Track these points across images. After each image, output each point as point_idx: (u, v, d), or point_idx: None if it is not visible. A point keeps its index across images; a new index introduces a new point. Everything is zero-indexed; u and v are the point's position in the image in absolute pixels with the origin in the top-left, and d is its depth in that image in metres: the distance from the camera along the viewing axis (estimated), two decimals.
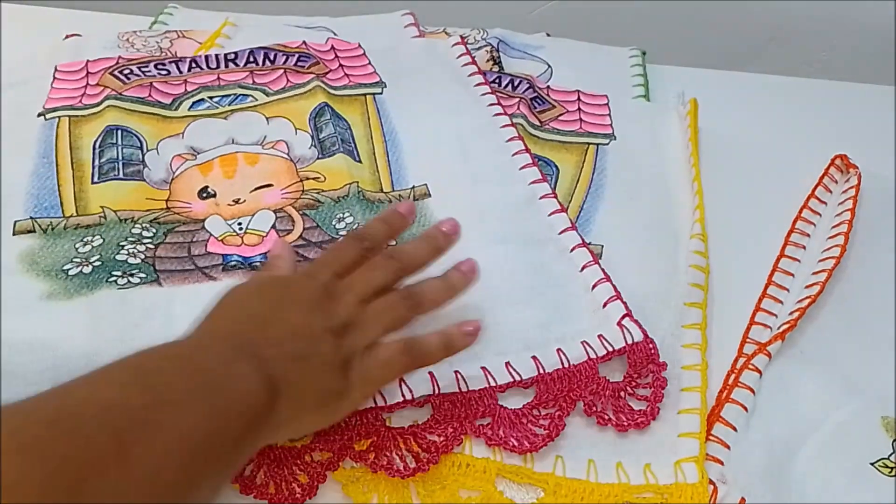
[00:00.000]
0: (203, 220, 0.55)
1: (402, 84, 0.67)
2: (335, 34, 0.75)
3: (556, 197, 0.57)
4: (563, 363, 0.47)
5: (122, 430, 0.32)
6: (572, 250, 0.54)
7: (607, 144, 0.65)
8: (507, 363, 0.47)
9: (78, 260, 0.51)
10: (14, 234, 0.52)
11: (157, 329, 0.47)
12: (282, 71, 0.67)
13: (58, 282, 0.50)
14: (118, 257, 0.51)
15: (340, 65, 0.69)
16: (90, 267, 0.51)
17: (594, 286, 0.51)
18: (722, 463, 0.45)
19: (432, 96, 0.66)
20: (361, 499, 0.43)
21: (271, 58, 0.68)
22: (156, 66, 0.67)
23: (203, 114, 0.63)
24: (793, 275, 0.57)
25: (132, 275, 0.50)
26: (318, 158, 0.60)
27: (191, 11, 0.82)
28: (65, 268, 0.51)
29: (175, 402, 0.35)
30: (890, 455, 0.47)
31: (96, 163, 0.58)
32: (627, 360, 0.48)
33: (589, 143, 0.65)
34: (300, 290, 0.43)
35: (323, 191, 0.57)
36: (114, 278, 0.50)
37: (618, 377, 0.48)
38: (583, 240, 0.54)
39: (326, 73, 0.67)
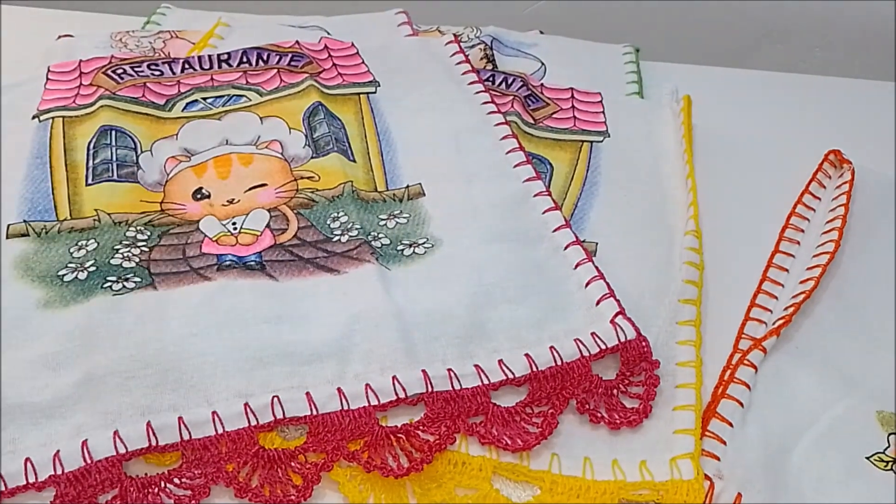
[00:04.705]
0: (197, 222, 0.55)
1: (396, 83, 0.67)
2: (328, 33, 0.75)
3: (550, 195, 0.57)
4: (556, 361, 0.47)
5: None
6: (566, 248, 0.54)
7: (601, 142, 0.65)
8: (500, 361, 0.47)
9: (73, 265, 0.51)
10: (7, 238, 0.52)
11: (150, 333, 0.47)
12: (275, 71, 0.67)
13: (53, 288, 0.50)
14: (113, 261, 0.51)
15: (334, 64, 0.69)
16: (85, 273, 0.50)
17: (588, 284, 0.51)
18: (718, 458, 0.45)
19: (426, 95, 0.66)
20: (358, 498, 0.43)
21: (264, 58, 0.68)
22: (149, 67, 0.67)
23: (196, 115, 0.63)
24: (787, 270, 0.57)
25: (127, 279, 0.50)
26: (312, 158, 0.60)
27: (184, 11, 0.82)
28: (60, 273, 0.50)
29: None
30: (885, 449, 0.47)
31: (90, 164, 0.58)
32: (620, 358, 0.48)
33: (583, 141, 0.65)
34: None
35: (317, 190, 0.57)
36: (108, 284, 0.50)
37: (611, 375, 0.48)
38: (577, 237, 0.54)
39: (320, 72, 0.67)
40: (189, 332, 0.47)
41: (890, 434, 0.48)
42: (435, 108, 0.65)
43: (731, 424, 0.47)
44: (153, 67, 0.67)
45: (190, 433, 0.43)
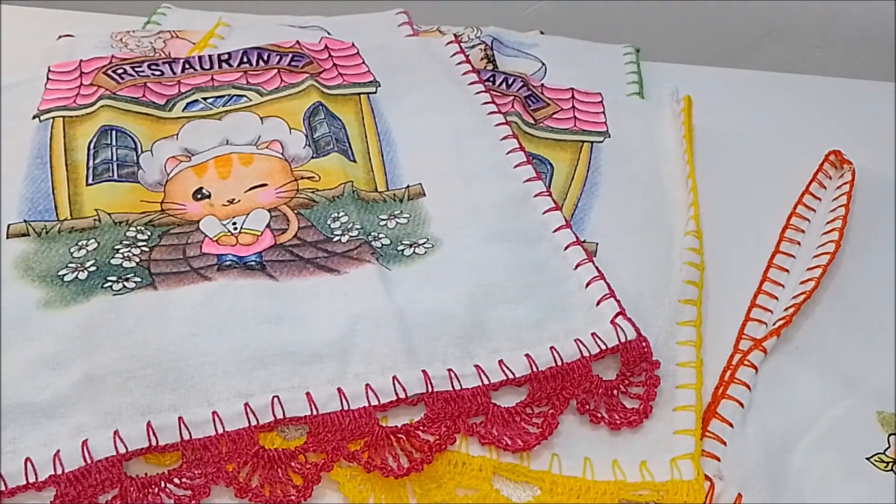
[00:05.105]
0: (198, 222, 0.55)
1: (396, 83, 0.67)
2: (329, 33, 0.75)
3: (550, 195, 0.57)
4: (556, 361, 0.48)
5: None
6: (566, 248, 0.54)
7: (602, 142, 0.65)
8: (501, 361, 0.47)
9: (73, 265, 0.51)
10: (7, 238, 0.52)
11: (150, 333, 0.47)
12: (275, 71, 0.67)
13: (54, 288, 0.49)
14: (113, 261, 0.51)
15: (334, 64, 0.69)
16: (86, 272, 0.50)
17: (588, 284, 0.51)
18: (718, 459, 0.45)
19: (426, 95, 0.66)
20: (358, 498, 0.43)
21: (265, 58, 0.68)
22: (149, 67, 0.67)
23: (197, 115, 0.63)
24: (788, 270, 0.57)
25: (127, 279, 0.50)
26: (312, 158, 0.60)
27: (184, 11, 0.82)
28: (60, 273, 0.50)
29: None
30: (886, 450, 0.47)
31: (90, 164, 0.58)
32: (621, 359, 0.48)
33: (583, 141, 0.65)
34: None
35: (318, 190, 0.57)
36: (109, 283, 0.50)
37: (611, 375, 0.48)
38: (577, 238, 0.54)
39: (320, 72, 0.67)
40: (189, 332, 0.47)
41: (890, 434, 0.48)
42: (435, 109, 0.65)
43: (731, 425, 0.47)
44: (153, 67, 0.67)
45: (190, 433, 0.43)
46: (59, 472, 0.41)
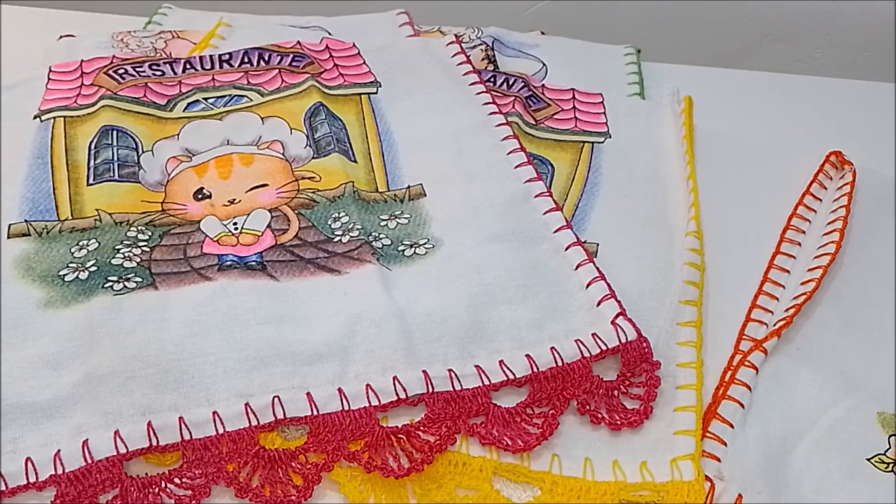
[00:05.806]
0: (198, 222, 0.55)
1: (397, 83, 0.67)
2: (330, 34, 0.75)
3: (551, 195, 0.57)
4: (556, 362, 0.48)
5: None
6: (567, 249, 0.54)
7: (602, 143, 0.65)
8: (501, 361, 0.47)
9: (74, 265, 0.51)
10: (8, 238, 0.52)
11: (151, 333, 0.47)
12: (276, 71, 0.67)
13: (54, 288, 0.50)
14: (114, 261, 0.51)
15: (335, 64, 0.69)
16: (86, 272, 0.50)
17: (588, 284, 0.51)
18: (719, 460, 0.45)
19: (427, 95, 0.66)
20: (358, 498, 0.43)
21: (266, 58, 0.68)
22: (150, 67, 0.67)
23: (198, 115, 0.63)
24: (788, 271, 0.57)
25: (128, 279, 0.50)
26: (313, 158, 0.60)
27: (185, 12, 0.82)
28: (61, 273, 0.50)
29: None
30: (886, 450, 0.47)
31: (91, 164, 0.58)
32: (621, 359, 0.48)
33: (584, 142, 0.65)
34: None
35: (318, 190, 0.57)
36: (109, 283, 0.50)
37: (611, 376, 0.48)
38: (577, 238, 0.54)
39: (321, 72, 0.67)
40: (190, 332, 0.47)
41: (890, 435, 0.48)
42: (436, 109, 0.65)
43: (731, 425, 0.47)
44: (154, 67, 0.67)
45: (191, 433, 0.43)
46: (60, 471, 0.42)
